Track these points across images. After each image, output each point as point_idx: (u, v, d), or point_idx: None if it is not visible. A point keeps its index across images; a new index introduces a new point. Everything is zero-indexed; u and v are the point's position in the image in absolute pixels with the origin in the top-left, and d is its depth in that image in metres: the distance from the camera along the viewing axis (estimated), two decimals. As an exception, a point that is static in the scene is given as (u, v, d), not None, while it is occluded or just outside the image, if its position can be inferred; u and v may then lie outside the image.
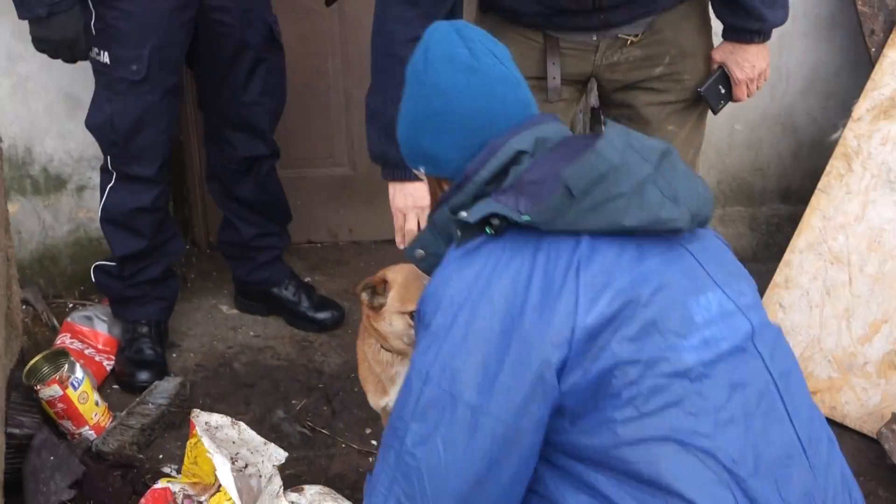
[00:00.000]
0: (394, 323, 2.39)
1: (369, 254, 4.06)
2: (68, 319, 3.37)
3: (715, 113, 2.72)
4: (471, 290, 1.65)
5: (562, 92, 2.67)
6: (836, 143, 3.27)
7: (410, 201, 2.56)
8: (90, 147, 3.53)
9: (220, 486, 2.43)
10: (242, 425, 2.60)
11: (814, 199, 3.23)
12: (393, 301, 2.39)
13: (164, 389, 3.14)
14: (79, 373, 2.92)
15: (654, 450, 1.57)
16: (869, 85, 3.21)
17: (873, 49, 3.27)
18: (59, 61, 3.07)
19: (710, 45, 2.70)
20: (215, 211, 3.84)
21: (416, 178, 2.37)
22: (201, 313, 3.65)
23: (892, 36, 3.22)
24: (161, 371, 3.26)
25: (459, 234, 1.70)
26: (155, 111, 3.03)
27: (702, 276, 1.68)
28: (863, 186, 3.17)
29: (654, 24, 2.59)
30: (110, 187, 3.17)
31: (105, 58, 2.94)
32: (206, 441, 2.45)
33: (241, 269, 3.54)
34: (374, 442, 3.02)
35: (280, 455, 2.57)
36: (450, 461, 1.63)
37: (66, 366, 2.89)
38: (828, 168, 3.23)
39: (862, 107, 3.21)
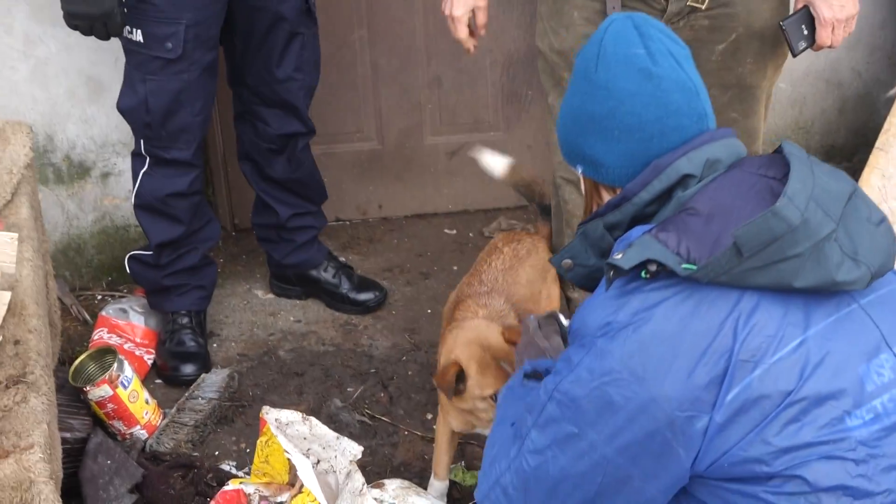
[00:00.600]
0: (478, 406, 2.36)
1: (401, 230, 3.94)
2: (102, 313, 3.22)
3: (794, 54, 2.56)
4: (615, 331, 1.54)
5: None
6: (893, 99, 3.16)
7: (460, 9, 2.62)
8: (115, 132, 3.38)
9: (301, 486, 2.30)
10: (314, 420, 2.47)
11: (872, 158, 3.12)
12: (474, 389, 2.34)
13: (213, 382, 3.01)
14: (128, 371, 2.79)
15: None
16: (928, 36, 3.11)
17: (931, -2, 3.16)
18: (80, 42, 2.93)
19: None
20: (240, 193, 3.72)
21: None
22: (236, 299, 3.51)
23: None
24: (205, 363, 3.13)
25: (611, 273, 1.57)
26: (191, 91, 2.88)
27: (874, 336, 1.54)
28: (922, 143, 3.07)
29: None
30: (143, 172, 3.02)
31: (138, 36, 2.79)
32: (282, 441, 2.33)
33: (277, 251, 3.40)
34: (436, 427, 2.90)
35: (355, 449, 2.44)
36: (557, 481, 1.59)
37: (115, 364, 2.75)
38: (886, 126, 3.12)
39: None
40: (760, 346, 1.46)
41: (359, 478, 2.31)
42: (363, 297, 3.43)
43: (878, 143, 3.12)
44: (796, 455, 1.46)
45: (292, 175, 3.25)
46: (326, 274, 3.43)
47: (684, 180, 1.61)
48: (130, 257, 3.17)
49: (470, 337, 2.41)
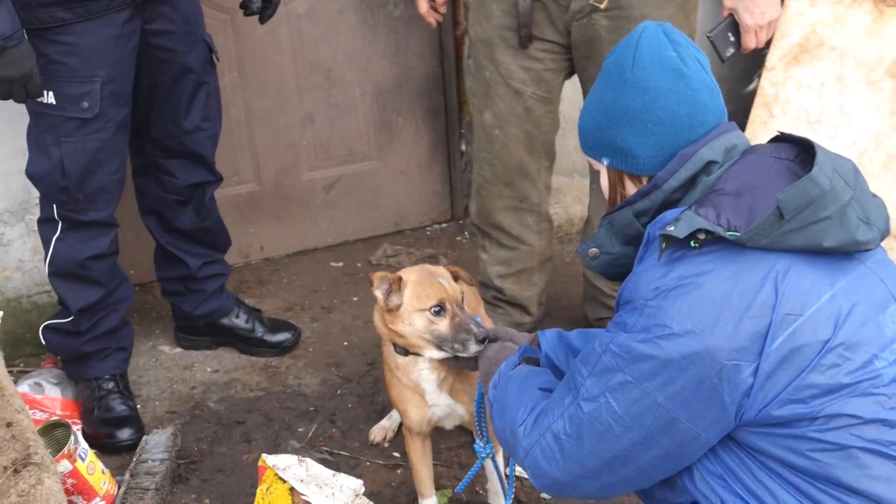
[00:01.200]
0: (414, 322, 2.33)
1: (286, 268, 3.96)
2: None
3: (723, 60, 2.83)
4: (665, 293, 1.70)
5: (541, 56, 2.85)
6: (753, 93, 3.50)
7: None
8: (1, 200, 3.23)
9: (320, 526, 2.32)
10: (309, 461, 2.48)
11: (739, 148, 3.45)
12: (410, 300, 2.33)
13: (158, 443, 2.93)
14: (83, 442, 2.68)
15: (855, 457, 1.65)
16: (777, 35, 3.46)
17: (773, 2, 3.51)
18: None
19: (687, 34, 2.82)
20: (127, 248, 3.61)
21: None
22: (144, 358, 3.42)
23: (787, -13, 3.48)
24: (140, 425, 3.05)
25: (664, 244, 1.72)
26: (108, 149, 2.82)
27: (884, 292, 1.76)
28: (786, 129, 3.41)
29: None
30: (56, 238, 2.91)
31: (50, 98, 2.70)
32: (297, 485, 2.34)
33: (187, 303, 3.34)
34: (395, 454, 2.96)
35: (354, 483, 2.47)
36: (609, 425, 1.75)
37: (72, 437, 2.64)
38: (751, 118, 3.46)
39: (774, 56, 3.46)
40: (799, 300, 1.65)
41: (370, 508, 2.35)
42: (279, 338, 3.43)
43: (746, 133, 3.42)
44: (838, 395, 1.65)
45: (201, 225, 3.22)
46: (238, 320, 3.41)
47: (708, 167, 1.80)
48: (45, 328, 3.04)
49: (415, 267, 2.45)
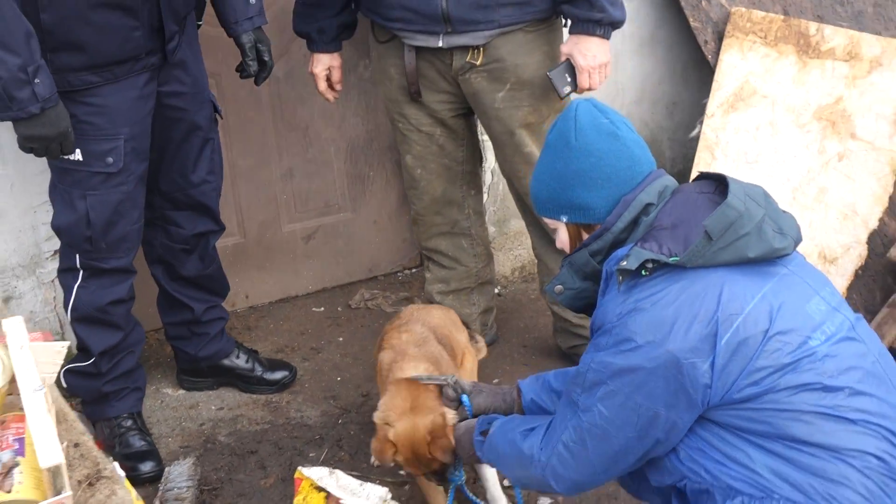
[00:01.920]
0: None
1: (271, 315, 4.19)
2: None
3: (560, 97, 3.24)
4: (627, 315, 2.07)
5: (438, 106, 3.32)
6: (696, 139, 3.90)
7: (319, 67, 3.41)
8: (13, 255, 3.45)
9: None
10: (339, 472, 2.73)
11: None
12: (406, 465, 2.72)
13: (181, 473, 3.14)
14: (121, 472, 2.88)
15: (804, 418, 2.00)
16: (714, 86, 3.89)
17: (710, 56, 3.95)
18: None
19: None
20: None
21: (328, 50, 3.38)
22: (150, 400, 3.62)
23: (723, 43, 3.91)
24: (159, 458, 3.26)
25: (620, 277, 2.10)
26: (129, 201, 3.06)
27: (806, 287, 2.12)
28: (727, 169, 3.82)
29: (493, 47, 3.13)
30: (78, 286, 3.13)
31: (77, 155, 2.93)
32: (336, 492, 2.59)
33: (191, 346, 3.57)
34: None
35: (381, 491, 2.72)
36: (606, 429, 2.11)
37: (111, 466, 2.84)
38: (696, 160, 3.86)
39: (712, 104, 3.88)
40: (737, 302, 2.01)
41: (400, 511, 2.61)
42: (277, 375, 3.67)
43: (692, 176, 3.82)
44: (783, 372, 2.00)
45: (204, 271, 3.46)
46: (239, 360, 3.64)
47: (646, 208, 2.17)
48: (67, 371, 3.24)
49: (406, 420, 2.68)
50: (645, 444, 2.11)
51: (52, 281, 3.54)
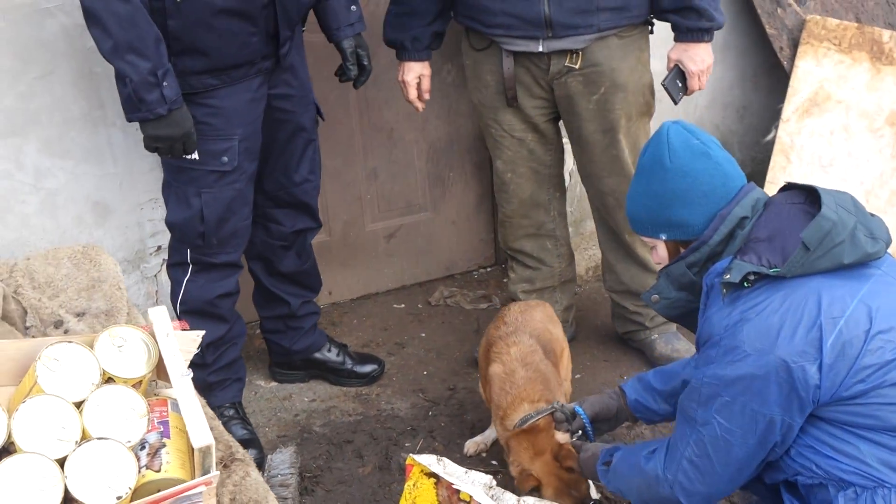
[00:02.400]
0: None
1: (354, 311, 4.33)
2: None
3: (676, 103, 3.40)
4: (734, 326, 2.21)
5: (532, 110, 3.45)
6: (771, 143, 4.01)
7: (411, 75, 3.50)
8: (119, 250, 3.59)
9: (475, 509, 2.69)
10: (446, 460, 2.86)
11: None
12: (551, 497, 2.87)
13: (284, 460, 3.28)
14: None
15: None
16: (789, 91, 4.00)
17: (785, 62, 4.06)
18: (87, 171, 3.34)
19: (647, 83, 3.41)
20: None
21: (420, 58, 3.47)
22: (245, 392, 3.74)
23: (798, 50, 4.02)
24: (260, 446, 3.39)
25: (724, 290, 2.23)
26: (241, 198, 3.20)
27: None
28: (802, 173, 3.93)
29: (590, 51, 3.26)
30: (187, 280, 3.27)
31: (194, 154, 3.07)
32: (446, 477, 2.72)
33: (286, 339, 3.71)
34: (493, 462, 3.34)
35: (485, 478, 2.84)
36: (727, 439, 2.23)
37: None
38: (771, 164, 3.97)
39: (788, 109, 3.98)
40: (837, 306, 2.14)
41: (510, 496, 2.74)
42: (367, 369, 3.81)
43: (768, 178, 3.95)
44: (887, 368, 2.14)
45: (301, 267, 3.60)
46: (330, 354, 3.78)
47: (741, 222, 2.31)
48: (174, 362, 3.38)
49: (540, 465, 2.90)
50: (765, 449, 2.23)
51: (155, 276, 3.69)
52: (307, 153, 3.41)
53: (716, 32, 3.31)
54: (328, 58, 3.52)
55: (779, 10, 4.09)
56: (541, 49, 3.28)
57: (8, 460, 1.99)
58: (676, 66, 3.36)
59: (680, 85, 3.36)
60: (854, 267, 2.20)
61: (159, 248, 3.65)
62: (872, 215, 2.30)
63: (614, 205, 3.56)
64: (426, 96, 3.62)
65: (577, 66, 3.32)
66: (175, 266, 3.30)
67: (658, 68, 3.47)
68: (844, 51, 4.03)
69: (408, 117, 4.23)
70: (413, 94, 3.59)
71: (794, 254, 2.16)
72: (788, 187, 2.39)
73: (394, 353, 4.01)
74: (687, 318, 2.47)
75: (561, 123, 3.63)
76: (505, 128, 3.53)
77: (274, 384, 3.82)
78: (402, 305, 4.35)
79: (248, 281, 3.67)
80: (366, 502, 3.19)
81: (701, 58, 3.33)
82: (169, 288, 3.34)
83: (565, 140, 3.76)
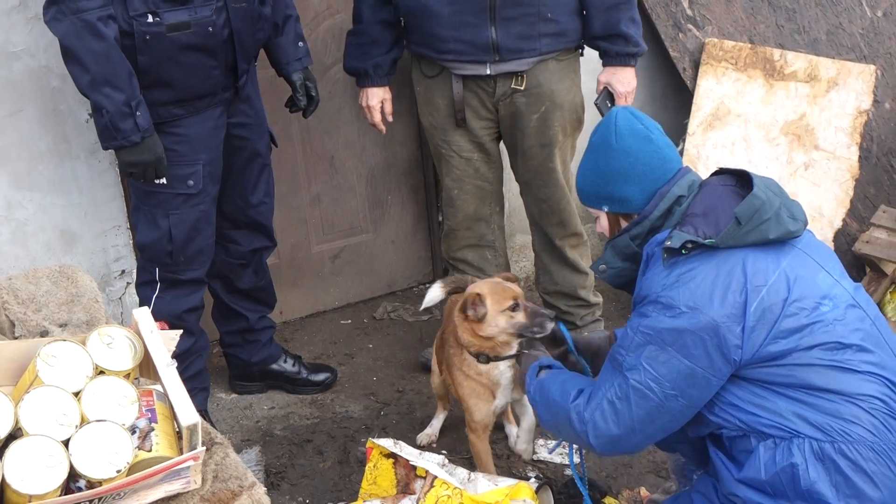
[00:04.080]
0: (499, 322, 3.07)
1: (304, 328, 4.62)
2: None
3: None
4: (671, 286, 2.48)
5: (479, 131, 3.83)
6: (680, 155, 4.41)
7: (375, 100, 3.85)
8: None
9: (433, 480, 2.99)
10: (402, 443, 3.16)
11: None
12: (493, 305, 3.08)
13: (249, 459, 3.56)
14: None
15: (821, 370, 2.42)
16: (693, 108, 4.42)
17: (688, 82, 4.48)
18: (54, 202, 3.61)
19: (579, 101, 3.83)
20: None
21: (381, 84, 3.83)
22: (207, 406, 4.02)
23: (699, 70, 4.45)
24: (228, 449, 3.64)
25: (665, 255, 2.49)
26: (205, 218, 3.48)
27: (813, 263, 2.49)
28: (709, 180, 4.34)
29: (533, 74, 3.66)
30: (156, 297, 3.53)
31: (162, 179, 3.35)
32: (405, 454, 3.02)
33: (244, 352, 3.98)
34: (443, 452, 3.64)
35: (438, 458, 3.15)
36: (648, 386, 2.48)
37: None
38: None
39: (693, 124, 4.40)
40: (761, 275, 2.43)
41: (461, 470, 3.05)
42: (321, 377, 4.10)
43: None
44: (802, 332, 2.42)
45: (258, 284, 3.89)
46: (286, 364, 4.07)
47: (679, 199, 2.59)
48: (144, 373, 3.63)
49: (480, 282, 3.16)
50: (680, 402, 2.46)
51: (120, 298, 3.95)
52: (262, 177, 3.71)
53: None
54: (269, 90, 3.85)
55: (680, 35, 4.52)
56: (488, 72, 3.65)
57: (18, 442, 2.23)
58: (606, 87, 3.77)
59: (609, 104, 3.76)
60: (777, 243, 2.47)
61: (123, 271, 3.90)
62: (793, 200, 2.53)
63: (548, 210, 3.93)
64: (389, 118, 3.98)
65: (522, 88, 3.69)
66: (144, 285, 3.56)
67: (586, 90, 3.87)
68: (741, 69, 4.47)
69: (347, 145, 4.55)
70: (377, 117, 3.94)
71: (727, 227, 2.43)
72: (721, 172, 2.67)
73: (344, 364, 4.30)
74: (630, 286, 2.71)
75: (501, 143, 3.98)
76: (454, 148, 3.89)
77: (234, 396, 4.08)
78: (349, 321, 4.65)
79: (208, 299, 3.94)
80: (328, 492, 3.47)
81: (627, 80, 3.76)
82: (133, 309, 3.60)
83: (505, 160, 4.10)
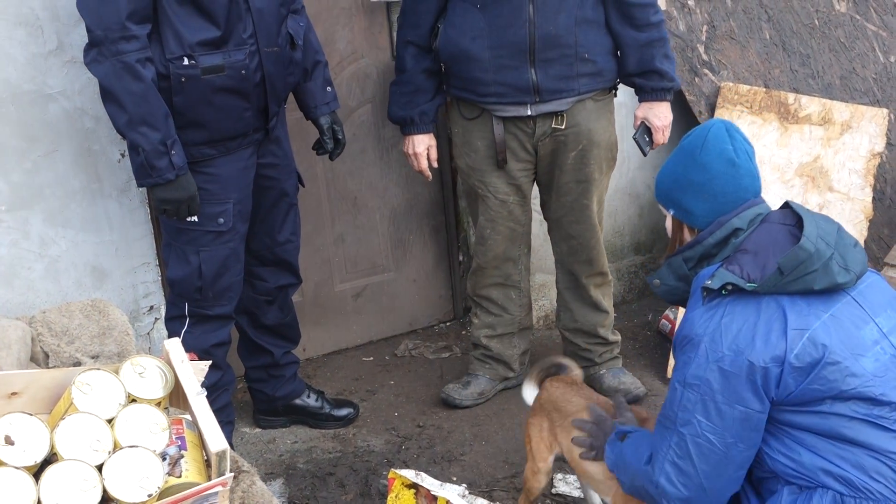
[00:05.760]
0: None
1: (326, 365, 4.70)
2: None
3: (645, 154, 3.94)
4: (713, 330, 2.48)
5: (517, 172, 3.93)
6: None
7: (422, 147, 3.94)
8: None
9: (451, 512, 3.05)
10: (423, 474, 3.22)
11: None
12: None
13: (274, 491, 3.62)
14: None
15: (851, 423, 2.41)
16: (710, 150, 4.50)
17: (704, 125, 4.57)
18: (86, 239, 3.70)
19: (614, 140, 3.95)
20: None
21: (427, 131, 3.93)
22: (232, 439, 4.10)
23: (715, 114, 4.55)
24: (252, 482, 3.71)
25: (704, 293, 2.49)
26: (234, 256, 3.58)
27: (862, 314, 2.41)
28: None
29: (571, 114, 3.78)
30: (185, 332, 3.63)
31: (194, 217, 3.46)
32: (427, 484, 3.08)
33: (269, 387, 4.07)
34: (463, 484, 3.69)
35: (459, 489, 3.21)
36: (708, 438, 2.44)
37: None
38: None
39: (709, 166, 4.49)
40: (802, 322, 2.40)
41: (482, 501, 3.11)
42: (343, 412, 4.18)
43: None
44: (840, 384, 2.37)
45: (283, 320, 3.98)
46: (309, 399, 4.15)
47: (736, 231, 2.56)
48: (171, 406, 3.72)
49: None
50: (740, 448, 2.43)
51: (148, 333, 4.04)
52: (290, 216, 3.82)
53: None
54: (300, 133, 3.96)
55: (696, 79, 4.63)
56: (529, 113, 3.77)
57: (54, 467, 2.32)
58: (643, 122, 3.88)
59: (647, 139, 3.87)
60: (823, 293, 2.39)
61: (151, 307, 4.00)
62: (855, 246, 2.45)
63: (577, 248, 4.03)
64: (434, 164, 4.08)
65: (562, 127, 3.81)
66: (173, 319, 3.66)
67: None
68: (756, 113, 4.57)
69: (370, 186, 4.66)
70: (424, 163, 4.04)
71: (770, 274, 2.39)
72: (786, 205, 2.61)
73: (366, 399, 4.38)
74: (683, 303, 2.70)
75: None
76: (490, 189, 3.98)
77: (258, 430, 4.16)
78: (371, 358, 4.73)
79: (234, 335, 4.03)
80: (351, 524, 3.53)
81: (664, 114, 3.88)
82: (162, 342, 3.69)
83: (534, 202, 4.18)
